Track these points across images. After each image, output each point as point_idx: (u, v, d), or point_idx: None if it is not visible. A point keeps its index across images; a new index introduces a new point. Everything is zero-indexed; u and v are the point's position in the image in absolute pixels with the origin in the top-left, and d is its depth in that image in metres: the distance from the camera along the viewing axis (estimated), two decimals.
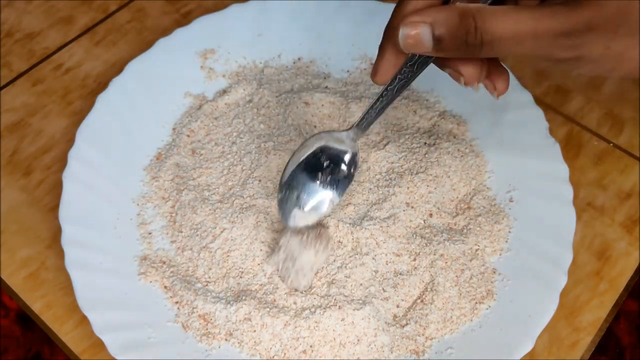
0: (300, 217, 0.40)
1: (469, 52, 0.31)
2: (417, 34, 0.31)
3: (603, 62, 0.31)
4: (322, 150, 0.39)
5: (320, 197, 0.40)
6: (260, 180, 0.47)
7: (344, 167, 0.38)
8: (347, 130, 0.39)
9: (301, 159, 0.39)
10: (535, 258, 0.43)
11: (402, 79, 0.36)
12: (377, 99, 0.37)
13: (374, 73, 0.36)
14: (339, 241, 0.44)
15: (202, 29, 0.55)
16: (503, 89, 0.35)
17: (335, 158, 0.39)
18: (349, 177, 0.39)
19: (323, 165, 0.38)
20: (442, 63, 0.35)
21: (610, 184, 0.49)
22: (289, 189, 0.39)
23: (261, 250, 0.44)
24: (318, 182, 0.39)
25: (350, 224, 0.45)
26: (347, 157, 0.39)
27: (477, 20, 0.30)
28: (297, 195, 0.39)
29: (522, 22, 0.30)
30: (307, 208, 0.39)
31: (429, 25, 0.31)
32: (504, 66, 0.36)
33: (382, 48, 0.35)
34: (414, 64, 0.35)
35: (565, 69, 0.32)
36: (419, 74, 0.36)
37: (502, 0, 0.34)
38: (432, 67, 0.36)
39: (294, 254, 0.42)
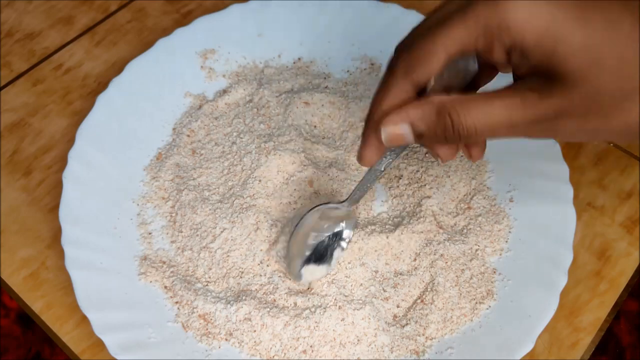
0: (310, 272, 0.43)
1: (448, 142, 0.33)
2: (399, 132, 0.34)
3: (579, 136, 0.32)
4: (322, 216, 0.43)
5: (327, 255, 0.43)
6: (260, 181, 0.47)
7: (343, 242, 0.43)
8: (341, 202, 0.43)
9: (302, 232, 0.43)
10: (535, 258, 0.43)
11: (388, 158, 0.39)
12: (365, 177, 0.41)
13: (360, 158, 0.37)
14: None
15: (202, 29, 0.55)
16: (478, 157, 0.38)
17: (335, 222, 0.43)
18: (349, 236, 0.43)
19: (324, 228, 0.42)
20: (421, 144, 0.37)
21: (611, 184, 0.49)
22: (297, 253, 0.43)
23: (261, 250, 0.44)
24: (324, 243, 0.43)
25: None
26: (345, 230, 0.43)
27: (453, 115, 0.32)
28: (306, 257, 0.42)
29: (495, 114, 0.31)
30: (318, 264, 0.43)
31: (408, 124, 0.33)
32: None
33: (365, 136, 0.37)
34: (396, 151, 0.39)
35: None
36: (404, 152, 0.38)
37: (478, 75, 0.36)
38: None
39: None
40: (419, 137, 0.34)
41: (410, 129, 0.33)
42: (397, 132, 0.34)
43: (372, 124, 0.35)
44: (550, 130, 0.32)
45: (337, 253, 0.42)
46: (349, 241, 0.43)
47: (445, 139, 0.33)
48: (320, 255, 0.42)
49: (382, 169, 0.39)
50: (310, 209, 0.43)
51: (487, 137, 0.34)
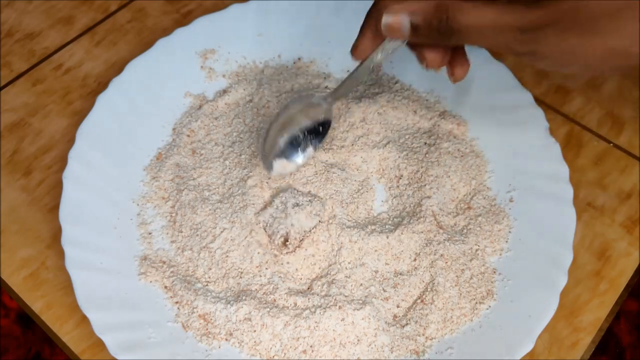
0: (281, 166, 0.44)
1: (440, 39, 0.36)
2: (398, 21, 0.36)
3: (556, 58, 0.33)
4: (301, 112, 0.44)
5: (298, 150, 0.44)
6: (260, 180, 0.47)
7: (319, 127, 0.44)
8: (323, 95, 0.44)
9: (281, 122, 0.44)
10: (535, 258, 0.43)
11: (379, 55, 0.40)
12: (353, 72, 0.42)
13: (354, 49, 0.40)
14: (341, 242, 0.44)
15: (202, 29, 0.55)
16: (460, 76, 0.40)
17: (312, 120, 0.44)
18: (322, 135, 0.44)
19: (301, 125, 0.44)
20: (412, 46, 0.39)
21: (611, 184, 0.49)
22: (272, 144, 0.44)
23: (258, 253, 0.44)
24: (296, 138, 0.44)
25: (351, 227, 0.45)
26: (321, 119, 0.44)
27: (449, 11, 0.34)
28: (279, 149, 0.43)
29: (485, 15, 0.33)
30: (289, 158, 0.44)
31: (408, 13, 0.36)
32: (468, 58, 0.40)
33: (363, 28, 0.40)
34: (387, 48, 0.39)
35: (525, 62, 0.36)
36: (391, 55, 0.39)
37: None
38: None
39: (287, 211, 0.44)
40: (415, 30, 0.36)
41: (409, 21, 0.36)
42: (396, 21, 0.36)
43: (373, 13, 0.39)
44: (531, 42, 0.33)
45: (309, 150, 0.43)
46: (323, 139, 0.43)
47: (438, 33, 0.35)
48: (293, 150, 0.43)
49: (371, 67, 0.40)
50: (291, 100, 0.44)
51: (474, 41, 0.35)
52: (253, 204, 0.46)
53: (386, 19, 0.37)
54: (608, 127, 0.53)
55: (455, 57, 0.40)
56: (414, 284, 0.43)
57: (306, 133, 0.43)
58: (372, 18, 0.39)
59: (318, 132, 0.43)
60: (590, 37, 0.31)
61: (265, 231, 0.45)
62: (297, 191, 0.46)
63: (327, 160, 0.49)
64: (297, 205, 0.45)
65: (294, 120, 0.43)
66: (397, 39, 0.38)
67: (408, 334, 0.41)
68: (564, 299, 0.42)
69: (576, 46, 0.32)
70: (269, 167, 0.44)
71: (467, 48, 0.40)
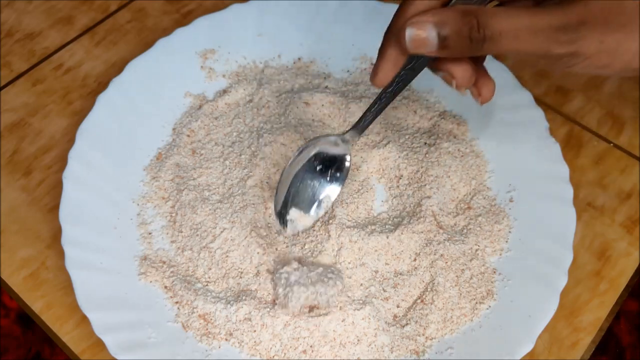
0: (300, 219, 0.41)
1: (471, 49, 0.32)
2: (424, 35, 0.32)
3: (598, 57, 0.32)
4: (316, 156, 0.40)
5: (315, 200, 0.41)
6: (260, 180, 0.47)
7: (337, 171, 0.40)
8: (343, 134, 0.40)
9: (297, 168, 0.40)
10: (535, 258, 0.43)
11: (400, 82, 0.37)
12: (375, 102, 0.38)
13: (374, 75, 0.37)
14: (341, 242, 0.44)
15: (203, 29, 0.55)
16: (488, 97, 0.37)
17: (329, 163, 0.40)
18: (341, 180, 0.40)
19: (317, 170, 0.40)
20: (437, 66, 0.36)
21: (611, 184, 0.49)
22: (286, 196, 0.40)
23: (258, 253, 0.44)
24: (313, 186, 0.40)
25: (351, 227, 0.45)
26: (340, 161, 0.40)
27: (479, 17, 0.32)
28: (294, 201, 0.40)
29: (520, 18, 0.31)
30: (305, 210, 0.40)
31: (434, 24, 0.32)
32: (491, 76, 0.38)
33: (382, 51, 0.36)
34: (412, 67, 0.36)
35: (564, 69, 0.33)
36: (416, 76, 0.37)
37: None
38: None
39: (310, 280, 0.41)
40: (443, 41, 0.32)
41: (436, 32, 0.32)
42: (421, 35, 0.32)
43: (392, 31, 0.35)
44: (571, 43, 0.31)
45: (326, 200, 0.39)
46: (342, 185, 0.39)
47: (469, 42, 0.32)
48: (307, 200, 0.39)
49: (393, 92, 0.37)
50: (306, 145, 0.40)
51: (509, 47, 0.32)
52: (253, 204, 0.46)
53: (410, 33, 0.33)
54: (608, 127, 0.53)
55: (479, 77, 0.37)
56: (414, 284, 0.43)
57: (322, 181, 0.40)
58: (392, 35, 0.35)
59: (336, 176, 0.39)
60: (631, 34, 0.31)
61: (274, 288, 0.42)
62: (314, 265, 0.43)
63: None
64: (321, 280, 0.41)
65: (308, 168, 0.40)
66: (422, 54, 0.34)
67: (408, 334, 0.41)
68: (564, 299, 0.42)
69: (618, 43, 0.31)
70: (285, 225, 0.40)
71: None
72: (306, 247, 0.44)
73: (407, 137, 0.50)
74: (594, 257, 0.46)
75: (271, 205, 0.46)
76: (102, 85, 0.55)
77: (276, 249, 0.44)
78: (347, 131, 0.40)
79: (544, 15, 0.31)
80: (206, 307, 0.42)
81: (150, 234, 0.46)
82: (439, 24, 0.32)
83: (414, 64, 0.36)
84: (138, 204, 0.47)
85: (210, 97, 0.54)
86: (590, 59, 0.32)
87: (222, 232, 0.45)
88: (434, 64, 0.36)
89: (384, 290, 0.43)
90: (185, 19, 0.60)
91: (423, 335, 0.41)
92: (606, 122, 0.53)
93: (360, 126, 0.39)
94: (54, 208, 0.47)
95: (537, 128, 0.48)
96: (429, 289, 0.43)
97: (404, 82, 0.37)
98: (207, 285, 0.44)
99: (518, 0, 0.36)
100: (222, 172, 0.48)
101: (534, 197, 0.46)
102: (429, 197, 0.46)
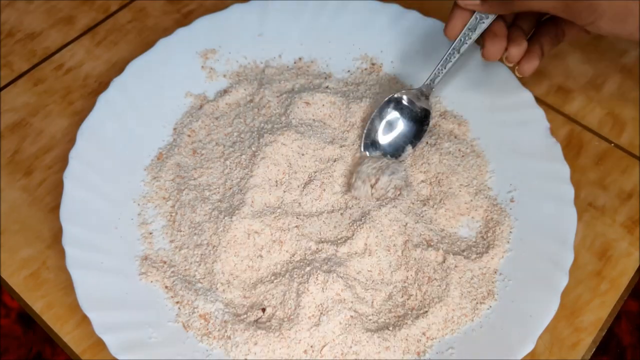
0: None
1: (506, 6, 0.41)
2: None
3: (613, 11, 0.37)
4: (400, 108, 0.49)
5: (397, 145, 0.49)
6: (260, 180, 0.47)
7: (417, 121, 0.49)
8: (418, 88, 0.48)
9: (382, 119, 0.49)
10: (536, 258, 0.43)
11: (462, 41, 0.45)
12: (444, 57, 0.47)
13: (446, 28, 0.45)
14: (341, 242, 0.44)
15: (203, 29, 0.55)
16: (526, 71, 0.45)
17: (409, 114, 0.49)
18: (423, 131, 0.49)
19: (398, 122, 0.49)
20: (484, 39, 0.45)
21: (611, 184, 0.49)
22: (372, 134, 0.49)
23: (258, 253, 0.44)
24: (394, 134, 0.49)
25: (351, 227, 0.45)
26: (420, 114, 0.49)
27: None
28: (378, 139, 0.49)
29: None
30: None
31: None
32: (540, 56, 0.45)
33: (452, 10, 0.45)
34: (471, 28, 0.45)
35: (586, 25, 0.39)
36: (475, 36, 0.45)
37: None
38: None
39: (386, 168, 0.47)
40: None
41: None
42: None
43: None
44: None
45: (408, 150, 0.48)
46: (427, 125, 0.48)
47: None
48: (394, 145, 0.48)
49: (460, 48, 0.45)
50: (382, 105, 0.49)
51: (541, 7, 0.39)
52: (253, 204, 0.46)
53: None
54: (609, 127, 0.52)
55: (528, 52, 0.44)
56: (415, 284, 0.43)
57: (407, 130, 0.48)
58: None
59: (417, 131, 0.48)
60: None
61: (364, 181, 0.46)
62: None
63: (330, 157, 0.49)
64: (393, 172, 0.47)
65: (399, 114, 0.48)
66: (473, 10, 0.43)
67: (409, 334, 0.41)
68: (565, 299, 0.42)
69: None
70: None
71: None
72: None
73: None
74: (594, 257, 0.46)
75: (272, 199, 0.46)
76: (102, 85, 0.55)
77: (276, 249, 0.44)
78: (423, 85, 0.48)
79: None
80: (207, 307, 0.42)
81: (151, 233, 0.46)
82: None
83: (474, 25, 0.44)
84: (139, 204, 0.47)
85: (211, 97, 0.54)
86: (606, 13, 0.37)
87: (222, 231, 0.45)
88: (482, 38, 0.44)
89: (384, 291, 0.43)
90: (186, 19, 0.60)
91: (424, 335, 0.41)
92: (607, 122, 0.53)
93: (430, 79, 0.48)
94: (55, 208, 0.47)
95: (538, 128, 0.48)
96: (429, 289, 0.43)
97: (465, 42, 0.45)
98: (205, 284, 0.44)
99: None
100: (222, 172, 0.48)
101: (535, 197, 0.46)
102: (429, 197, 0.46)
